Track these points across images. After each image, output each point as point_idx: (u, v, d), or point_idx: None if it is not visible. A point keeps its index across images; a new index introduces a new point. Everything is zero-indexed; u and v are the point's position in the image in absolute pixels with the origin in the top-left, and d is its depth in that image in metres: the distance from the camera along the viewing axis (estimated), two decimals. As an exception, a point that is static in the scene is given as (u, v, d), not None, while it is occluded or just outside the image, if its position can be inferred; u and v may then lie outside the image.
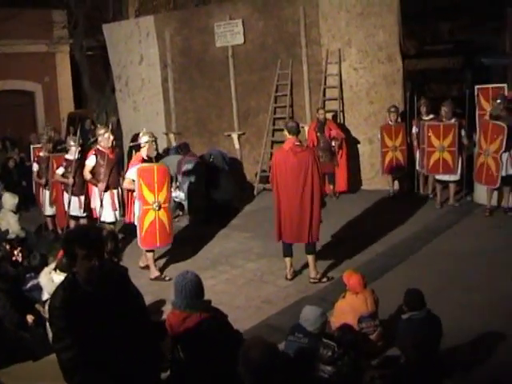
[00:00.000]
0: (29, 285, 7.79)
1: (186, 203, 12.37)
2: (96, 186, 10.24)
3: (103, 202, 10.27)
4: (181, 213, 12.66)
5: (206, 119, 16.21)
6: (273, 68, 14.80)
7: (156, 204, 9.06)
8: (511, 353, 6.24)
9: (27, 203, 13.60)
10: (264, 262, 9.79)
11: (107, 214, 10.32)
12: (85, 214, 10.89)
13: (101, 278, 3.94)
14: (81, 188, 10.84)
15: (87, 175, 10.27)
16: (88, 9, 21.00)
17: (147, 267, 9.39)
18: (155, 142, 9.69)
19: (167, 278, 8.93)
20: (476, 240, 9.82)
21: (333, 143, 13.01)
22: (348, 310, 6.41)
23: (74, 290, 3.91)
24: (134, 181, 9.08)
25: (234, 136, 15.65)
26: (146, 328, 4.23)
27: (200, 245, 10.74)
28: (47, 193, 11.66)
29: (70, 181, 10.79)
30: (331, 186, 13.22)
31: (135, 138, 10.43)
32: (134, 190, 9.20)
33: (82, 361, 3.87)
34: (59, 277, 6.20)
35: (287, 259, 8.86)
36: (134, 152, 10.86)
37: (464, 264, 8.76)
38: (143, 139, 9.76)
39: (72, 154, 10.93)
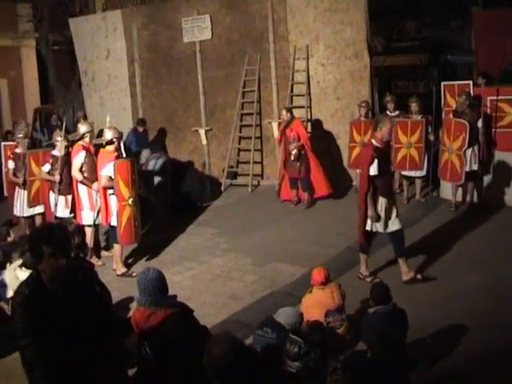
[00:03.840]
0: (-8, 282, 7.65)
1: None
2: (89, 186, 9.59)
3: (83, 203, 9.76)
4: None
5: (173, 115, 16.16)
6: (240, 63, 14.79)
7: (131, 199, 9.04)
8: (473, 344, 6.33)
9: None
10: (230, 258, 9.80)
11: (87, 215, 9.77)
12: (72, 215, 9.97)
13: (66, 276, 3.91)
14: (68, 186, 10.08)
15: (79, 175, 9.63)
16: (53, 2, 20.73)
17: (124, 274, 9.24)
18: (119, 139, 9.63)
19: (134, 274, 8.85)
20: (441, 234, 9.93)
21: (291, 147, 12.40)
22: (314, 304, 6.43)
23: (38, 287, 3.88)
24: (111, 178, 8.99)
25: (201, 131, 15.61)
26: (111, 325, 4.21)
27: (166, 240, 10.71)
28: (25, 193, 10.78)
29: (57, 178, 9.96)
30: (305, 194, 12.48)
31: (100, 134, 10.23)
32: (111, 188, 9.09)
33: (44, 357, 3.84)
34: (25, 274, 6.13)
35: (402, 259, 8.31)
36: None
37: (429, 258, 8.85)
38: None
39: (59, 150, 10.09)
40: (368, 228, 8.13)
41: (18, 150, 11.06)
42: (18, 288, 4.02)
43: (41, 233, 4.08)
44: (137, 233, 9.38)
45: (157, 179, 12.49)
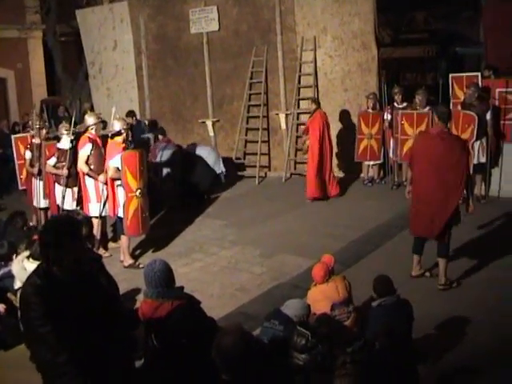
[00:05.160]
0: (-1, 273, 7.67)
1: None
2: (96, 178, 9.51)
3: (90, 195, 9.69)
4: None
5: (181, 106, 16.16)
6: (248, 55, 14.77)
7: (139, 191, 9.01)
8: (479, 337, 6.32)
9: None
10: (238, 250, 9.79)
11: (94, 207, 9.70)
12: (79, 208, 9.87)
13: (76, 266, 3.94)
14: (74, 179, 9.97)
15: (85, 167, 9.49)
16: (61, -6, 20.75)
17: (131, 266, 9.25)
18: (129, 129, 9.60)
19: (141, 266, 8.84)
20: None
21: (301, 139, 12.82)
22: (320, 297, 6.40)
23: (49, 278, 3.89)
24: (118, 169, 8.98)
25: (209, 123, 15.62)
26: (118, 316, 4.21)
27: (174, 232, 10.71)
28: (41, 183, 10.68)
29: (65, 172, 9.89)
30: None
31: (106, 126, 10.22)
32: (118, 179, 9.06)
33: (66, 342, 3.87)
34: (32, 265, 6.13)
35: (415, 256, 8.09)
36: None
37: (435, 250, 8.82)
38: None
39: (64, 143, 10.05)
40: None
41: (35, 141, 10.94)
42: (29, 279, 4.03)
43: (62, 225, 4.08)
44: (144, 224, 9.35)
45: (165, 170, 12.41)
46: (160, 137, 13.25)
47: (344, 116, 13.59)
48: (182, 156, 12.87)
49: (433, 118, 7.93)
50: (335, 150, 13.64)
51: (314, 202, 11.97)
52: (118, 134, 9.30)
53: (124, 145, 9.24)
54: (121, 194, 9.09)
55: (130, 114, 14.68)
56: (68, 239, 3.87)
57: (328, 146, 12.07)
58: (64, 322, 3.83)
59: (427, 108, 11.61)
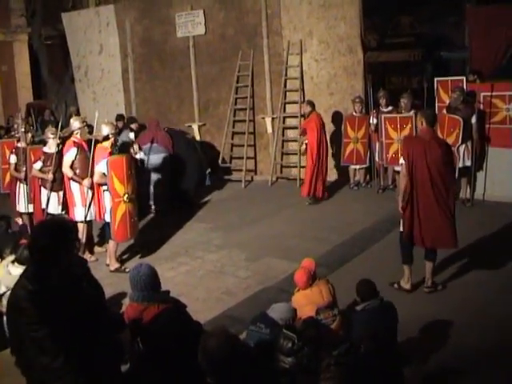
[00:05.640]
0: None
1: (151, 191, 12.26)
2: (80, 183, 9.42)
3: (75, 199, 9.60)
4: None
5: (167, 110, 16.14)
6: (234, 59, 14.78)
7: (126, 196, 8.96)
8: (464, 339, 6.34)
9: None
10: (224, 254, 9.77)
11: (79, 211, 9.60)
12: (63, 212, 9.87)
13: (68, 269, 3.98)
14: (60, 183, 9.83)
15: (69, 171, 9.43)
16: (46, -3, 20.72)
17: (117, 270, 9.20)
18: (117, 134, 9.57)
19: (127, 270, 8.79)
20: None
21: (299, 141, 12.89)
22: (305, 302, 6.38)
23: (39, 281, 3.88)
24: (104, 174, 8.94)
25: (195, 127, 15.61)
26: (104, 320, 4.20)
27: (160, 236, 10.68)
28: (26, 188, 10.50)
29: (50, 176, 9.79)
30: None
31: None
32: (104, 184, 9.01)
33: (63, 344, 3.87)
34: (17, 270, 6.11)
35: (407, 267, 7.85)
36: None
37: (422, 254, 8.84)
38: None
39: (50, 147, 9.94)
40: None
41: (19, 145, 10.83)
42: (18, 283, 4.00)
43: (54, 227, 4.08)
44: (133, 229, 9.27)
45: (155, 175, 12.26)
46: (133, 126, 13.03)
47: (330, 120, 13.61)
48: (170, 159, 12.67)
49: (418, 121, 7.79)
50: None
51: (300, 206, 11.98)
52: (107, 138, 9.27)
53: (110, 150, 9.20)
54: (107, 198, 9.05)
55: (120, 118, 14.63)
56: (64, 242, 3.89)
57: (325, 146, 12.18)
58: (55, 325, 3.83)
59: (412, 111, 11.66)
